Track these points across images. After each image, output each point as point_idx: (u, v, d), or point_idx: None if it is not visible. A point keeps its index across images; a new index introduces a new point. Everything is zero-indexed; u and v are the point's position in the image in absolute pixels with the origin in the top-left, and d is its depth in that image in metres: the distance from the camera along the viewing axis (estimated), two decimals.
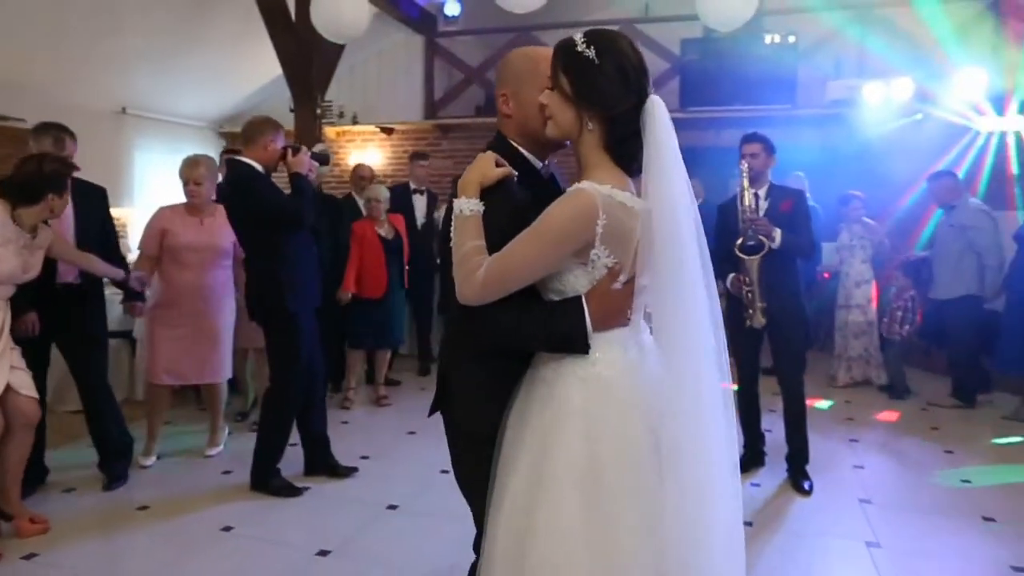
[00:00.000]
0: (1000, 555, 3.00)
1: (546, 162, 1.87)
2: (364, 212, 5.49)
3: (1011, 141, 5.93)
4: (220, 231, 3.97)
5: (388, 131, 8.95)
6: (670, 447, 1.52)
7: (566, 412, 1.57)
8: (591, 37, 1.61)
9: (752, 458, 4.08)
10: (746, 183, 3.78)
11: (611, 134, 1.60)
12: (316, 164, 3.69)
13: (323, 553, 2.93)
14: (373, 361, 5.56)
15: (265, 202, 3.37)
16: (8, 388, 3.00)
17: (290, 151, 3.51)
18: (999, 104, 6.00)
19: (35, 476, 3.46)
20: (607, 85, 1.57)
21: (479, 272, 1.53)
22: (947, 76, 6.24)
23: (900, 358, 5.79)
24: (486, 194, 1.62)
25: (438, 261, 5.86)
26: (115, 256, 3.76)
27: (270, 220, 3.38)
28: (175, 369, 3.97)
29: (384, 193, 5.46)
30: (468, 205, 1.59)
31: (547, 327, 1.59)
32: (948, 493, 3.73)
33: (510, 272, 1.53)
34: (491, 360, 1.71)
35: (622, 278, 1.58)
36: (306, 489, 3.60)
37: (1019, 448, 4.49)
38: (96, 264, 3.49)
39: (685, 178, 1.58)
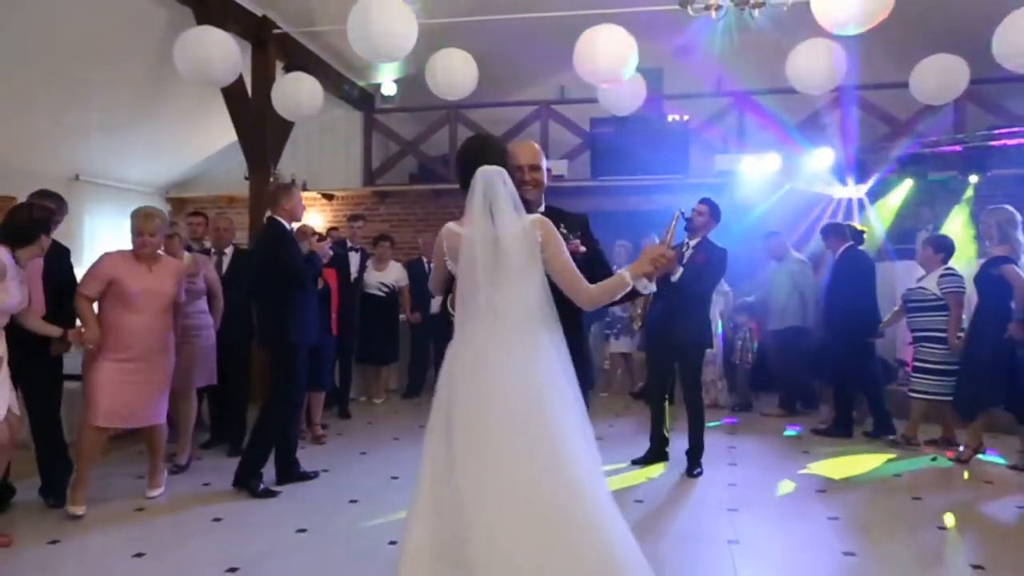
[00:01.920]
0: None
1: None
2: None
3: (855, 206, 7.26)
4: (167, 278, 4.13)
5: (329, 197, 9.70)
6: (456, 411, 2.27)
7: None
8: None
9: (657, 455, 4.96)
10: (673, 224, 4.58)
11: None
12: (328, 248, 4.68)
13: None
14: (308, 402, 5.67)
15: (287, 260, 4.22)
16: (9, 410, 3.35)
17: (317, 237, 4.44)
18: (843, 176, 7.37)
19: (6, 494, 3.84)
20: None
21: None
22: (805, 153, 7.57)
23: (745, 379, 7.01)
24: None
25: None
26: (69, 308, 4.00)
27: (285, 273, 4.19)
28: (122, 412, 3.94)
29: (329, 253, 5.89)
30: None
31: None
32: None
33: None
34: None
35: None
36: (280, 493, 4.17)
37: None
38: (32, 321, 3.69)
39: (481, 216, 2.36)
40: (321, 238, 4.47)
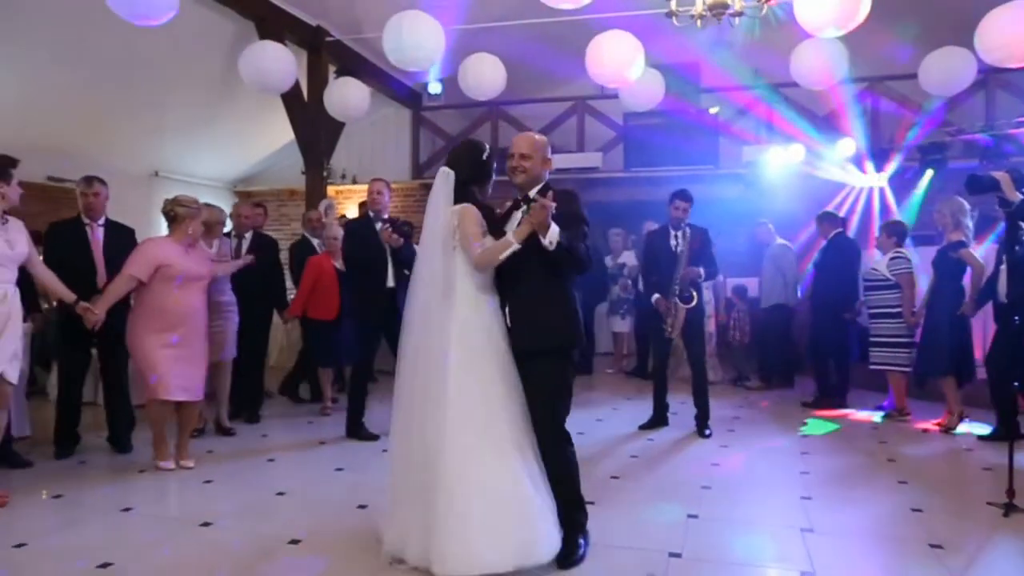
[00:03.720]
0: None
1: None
2: (319, 250, 6.14)
3: (875, 194, 7.49)
4: (203, 262, 4.41)
5: None
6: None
7: None
8: None
9: (659, 420, 5.45)
10: (677, 234, 5.22)
11: None
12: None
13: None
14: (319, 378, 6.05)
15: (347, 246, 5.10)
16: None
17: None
18: (864, 165, 7.61)
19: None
20: None
21: None
22: (828, 144, 7.84)
23: (740, 356, 7.52)
24: None
25: None
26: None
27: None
28: (185, 384, 4.16)
29: (340, 233, 5.80)
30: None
31: None
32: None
33: None
34: None
35: None
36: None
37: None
38: (54, 285, 3.96)
39: (430, 207, 2.92)
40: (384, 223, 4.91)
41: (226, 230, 5.81)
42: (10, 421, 4.01)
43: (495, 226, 2.96)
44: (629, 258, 8.15)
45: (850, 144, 7.71)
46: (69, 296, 3.92)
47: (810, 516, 3.49)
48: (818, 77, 5.48)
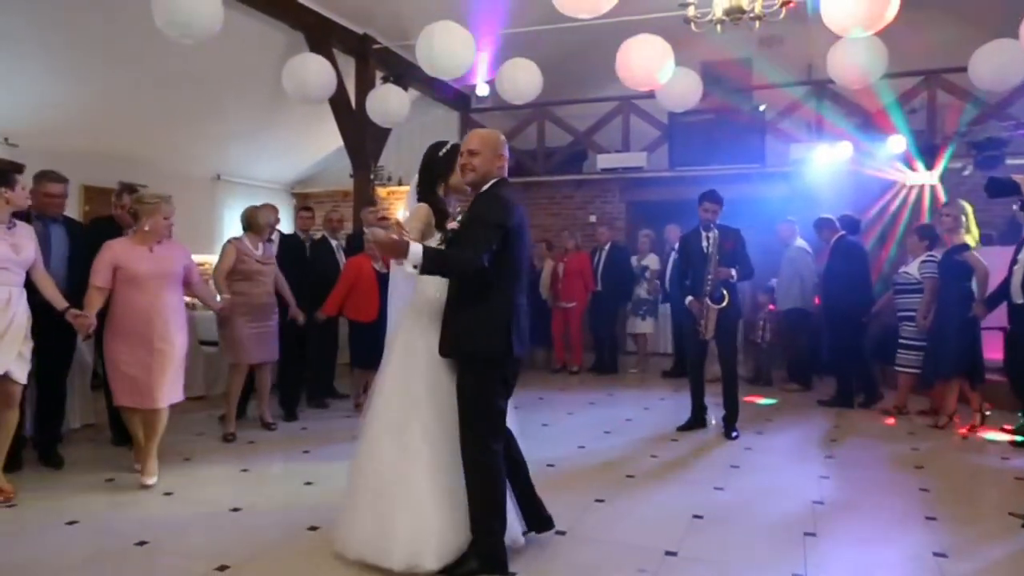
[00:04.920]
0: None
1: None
2: (337, 251, 6.29)
3: (926, 193, 7.27)
4: (173, 259, 4.12)
5: None
6: None
7: None
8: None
9: (697, 422, 5.46)
10: (708, 235, 5.24)
11: None
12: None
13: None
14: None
15: None
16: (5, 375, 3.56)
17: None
18: (915, 162, 7.39)
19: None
20: None
21: None
22: (878, 140, 7.63)
23: (765, 356, 7.43)
24: None
25: None
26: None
27: None
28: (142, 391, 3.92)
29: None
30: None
31: None
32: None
33: None
34: None
35: None
36: None
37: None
38: (50, 291, 3.83)
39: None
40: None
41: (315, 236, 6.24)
42: (23, 418, 4.04)
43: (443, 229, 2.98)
44: (653, 261, 8.16)
45: (900, 141, 7.50)
46: (61, 304, 3.81)
47: (817, 521, 3.51)
48: (855, 75, 5.39)
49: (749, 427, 5.49)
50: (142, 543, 3.16)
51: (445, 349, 2.81)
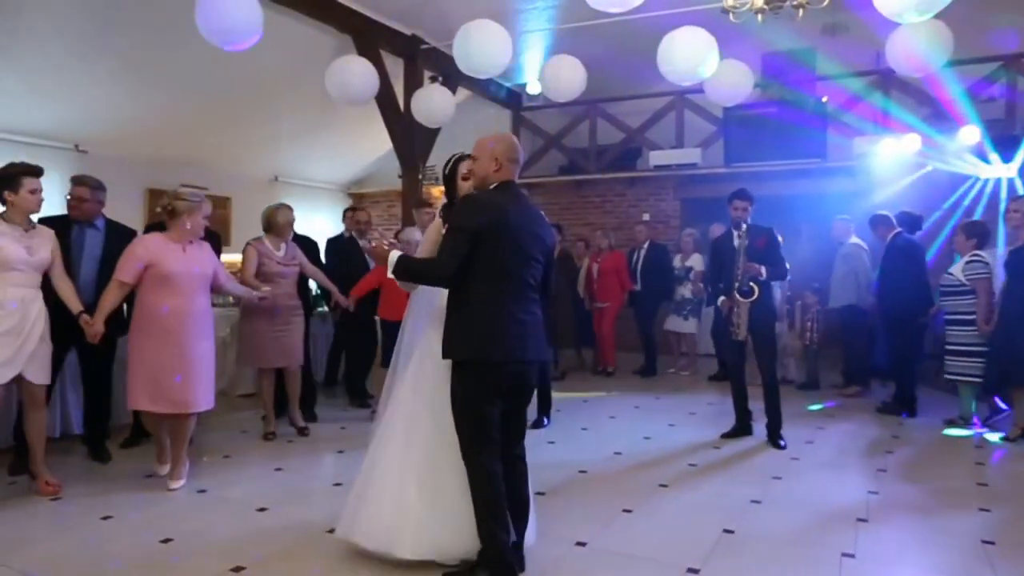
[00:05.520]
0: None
1: None
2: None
3: (1003, 186, 6.76)
4: (205, 260, 4.06)
5: None
6: None
7: None
8: None
9: (742, 429, 5.24)
10: (739, 234, 5.01)
11: None
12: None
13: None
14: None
15: None
16: (21, 376, 3.61)
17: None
18: (987, 155, 6.90)
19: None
20: None
21: None
22: (951, 131, 7.17)
23: (814, 359, 7.12)
24: None
25: None
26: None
27: None
28: (161, 395, 3.84)
29: (416, 235, 5.86)
30: None
31: None
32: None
33: None
34: None
35: None
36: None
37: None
38: (67, 294, 3.83)
39: None
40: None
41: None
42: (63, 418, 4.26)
43: None
44: (697, 261, 7.93)
45: (973, 132, 7.02)
46: (76, 307, 3.81)
47: (858, 541, 3.29)
48: (915, 63, 5.05)
49: (800, 435, 5.24)
50: (167, 540, 3.23)
51: (442, 352, 2.82)
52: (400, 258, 2.75)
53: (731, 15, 4.12)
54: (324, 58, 7.82)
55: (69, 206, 4.32)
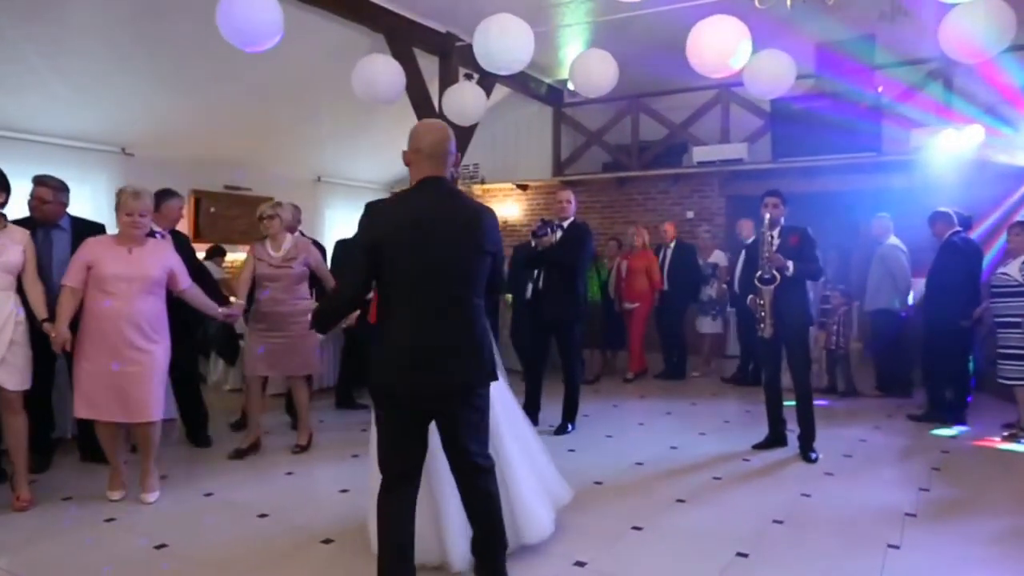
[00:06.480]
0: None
1: None
2: None
3: None
4: (153, 262, 3.82)
5: (523, 187, 10.53)
6: None
7: None
8: None
9: (775, 439, 4.96)
10: (766, 227, 4.77)
11: None
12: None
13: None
14: None
15: None
16: None
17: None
18: None
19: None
20: None
21: None
22: (1014, 123, 6.65)
23: (846, 364, 6.78)
24: None
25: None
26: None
27: None
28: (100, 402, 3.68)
29: None
30: None
31: None
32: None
33: None
34: None
35: None
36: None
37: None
38: (35, 299, 3.67)
39: None
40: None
41: None
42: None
43: None
44: (720, 257, 7.62)
45: None
46: (41, 314, 3.64)
47: (886, 571, 3.02)
48: (970, 49, 4.65)
49: (838, 447, 4.92)
50: (161, 546, 3.22)
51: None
52: (313, 313, 2.80)
53: (756, 2, 3.87)
54: (359, 55, 7.83)
55: (31, 207, 4.11)
